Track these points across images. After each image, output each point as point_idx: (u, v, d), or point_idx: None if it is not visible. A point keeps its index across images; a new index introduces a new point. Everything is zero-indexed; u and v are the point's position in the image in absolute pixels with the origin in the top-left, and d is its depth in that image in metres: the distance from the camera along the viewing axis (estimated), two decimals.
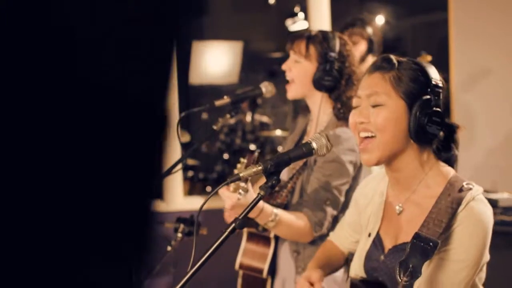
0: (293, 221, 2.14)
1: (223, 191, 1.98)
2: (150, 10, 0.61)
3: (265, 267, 2.29)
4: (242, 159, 2.08)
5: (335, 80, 2.26)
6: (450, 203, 1.60)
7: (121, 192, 0.60)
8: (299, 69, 2.29)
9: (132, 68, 0.60)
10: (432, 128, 1.63)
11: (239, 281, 2.39)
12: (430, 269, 1.60)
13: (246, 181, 1.93)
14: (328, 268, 1.97)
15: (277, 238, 2.31)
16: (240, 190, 1.91)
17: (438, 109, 1.64)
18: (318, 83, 2.27)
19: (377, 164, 1.70)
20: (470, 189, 1.62)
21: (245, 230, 2.35)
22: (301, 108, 2.51)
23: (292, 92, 2.34)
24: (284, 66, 2.33)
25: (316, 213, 2.17)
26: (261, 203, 2.03)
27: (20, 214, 0.54)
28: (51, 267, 0.56)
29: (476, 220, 1.59)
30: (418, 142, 1.65)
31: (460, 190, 1.62)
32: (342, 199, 2.21)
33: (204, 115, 6.44)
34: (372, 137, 1.66)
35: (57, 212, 0.56)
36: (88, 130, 0.57)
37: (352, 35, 3.61)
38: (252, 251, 2.33)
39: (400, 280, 1.50)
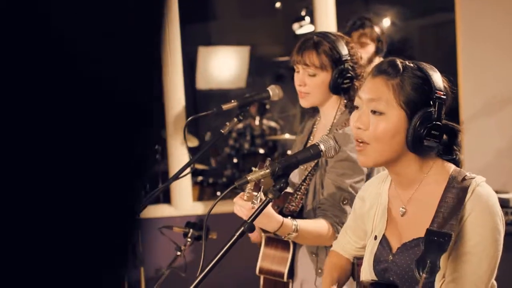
0: (313, 228, 2.12)
1: (237, 200, 1.98)
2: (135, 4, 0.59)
3: (285, 270, 2.28)
4: (253, 168, 2.04)
5: (351, 81, 2.24)
6: (456, 194, 1.61)
7: (103, 193, 0.59)
8: (316, 82, 2.24)
9: (114, 61, 0.58)
10: (430, 142, 1.62)
11: (261, 286, 2.38)
12: (451, 265, 1.60)
13: (258, 190, 1.91)
14: (341, 281, 1.98)
15: None
16: (254, 200, 1.89)
17: (438, 122, 1.62)
18: (336, 88, 2.24)
19: (373, 166, 1.69)
20: (473, 178, 1.64)
21: (263, 235, 2.34)
22: (307, 109, 2.48)
23: (309, 101, 2.29)
24: (297, 82, 2.27)
25: (336, 214, 2.17)
26: (280, 217, 2.02)
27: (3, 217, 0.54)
28: (37, 272, 0.55)
29: (485, 206, 1.60)
30: (414, 153, 1.65)
31: (463, 179, 1.63)
32: None
33: (208, 134, 6.41)
34: (367, 143, 1.66)
35: (39, 214, 0.55)
36: (69, 130, 0.55)
37: (362, 36, 3.55)
38: (271, 255, 2.32)
39: (419, 278, 1.50)
